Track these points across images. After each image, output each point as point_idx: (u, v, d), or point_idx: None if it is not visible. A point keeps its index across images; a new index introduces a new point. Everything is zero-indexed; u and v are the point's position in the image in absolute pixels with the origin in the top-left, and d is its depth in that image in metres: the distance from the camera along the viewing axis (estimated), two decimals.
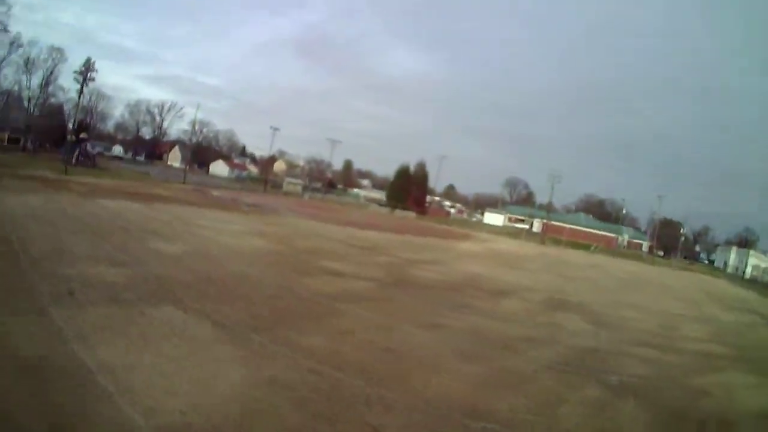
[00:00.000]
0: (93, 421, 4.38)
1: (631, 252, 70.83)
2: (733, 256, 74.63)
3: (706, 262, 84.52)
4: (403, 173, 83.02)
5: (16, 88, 64.81)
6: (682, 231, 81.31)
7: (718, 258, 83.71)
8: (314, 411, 5.31)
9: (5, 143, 59.11)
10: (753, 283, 53.64)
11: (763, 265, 64.58)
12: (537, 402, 6.73)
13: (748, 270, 65.29)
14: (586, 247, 62.02)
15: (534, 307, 14.76)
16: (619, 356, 10.17)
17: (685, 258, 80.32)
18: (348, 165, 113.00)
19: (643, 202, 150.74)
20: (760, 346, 15.35)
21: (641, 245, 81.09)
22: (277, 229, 25.08)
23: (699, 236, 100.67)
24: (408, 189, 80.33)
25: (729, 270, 71.00)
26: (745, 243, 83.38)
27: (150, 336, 6.66)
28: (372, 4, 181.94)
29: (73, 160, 48.00)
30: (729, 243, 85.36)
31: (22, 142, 63.24)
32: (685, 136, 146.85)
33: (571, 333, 11.75)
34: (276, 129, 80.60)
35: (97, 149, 75.53)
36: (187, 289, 9.41)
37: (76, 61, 73.35)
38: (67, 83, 65.69)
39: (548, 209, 77.87)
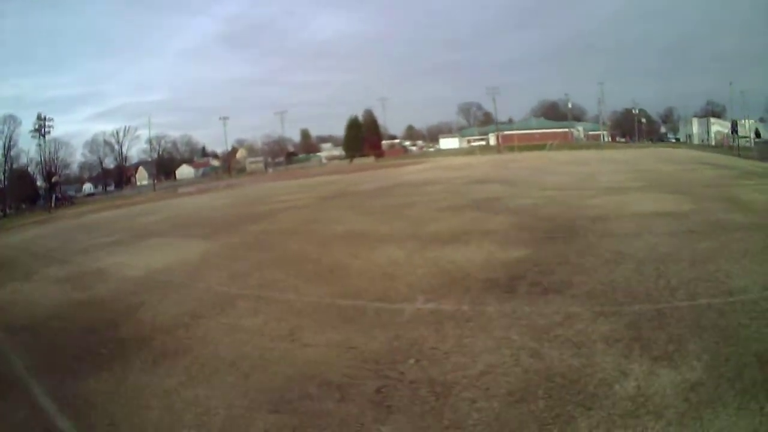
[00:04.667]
0: None
1: (589, 143, 70.62)
2: (695, 127, 72.78)
3: (674, 140, 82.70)
4: (353, 124, 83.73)
5: None
6: (635, 112, 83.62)
7: (681, 133, 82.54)
8: None
9: None
10: (718, 147, 50.72)
11: (725, 130, 58.87)
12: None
13: (713, 137, 63.15)
14: (542, 147, 60.48)
15: (458, 186, 17.18)
16: (515, 198, 12.15)
17: (650, 140, 79.77)
18: (305, 133, 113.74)
19: (595, 96, 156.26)
20: (681, 180, 14.84)
21: (601, 136, 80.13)
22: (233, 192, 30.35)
23: (666, 118, 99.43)
24: (361, 137, 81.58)
25: (695, 142, 67.69)
26: (711, 115, 78.61)
27: None
28: None
29: (53, 204, 51.11)
30: (695, 117, 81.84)
31: None
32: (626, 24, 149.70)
33: (483, 192, 14.35)
34: (225, 118, 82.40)
35: (69, 192, 76.96)
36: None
37: (27, 125, 74.47)
38: (25, 145, 65.66)
39: (495, 121, 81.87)
